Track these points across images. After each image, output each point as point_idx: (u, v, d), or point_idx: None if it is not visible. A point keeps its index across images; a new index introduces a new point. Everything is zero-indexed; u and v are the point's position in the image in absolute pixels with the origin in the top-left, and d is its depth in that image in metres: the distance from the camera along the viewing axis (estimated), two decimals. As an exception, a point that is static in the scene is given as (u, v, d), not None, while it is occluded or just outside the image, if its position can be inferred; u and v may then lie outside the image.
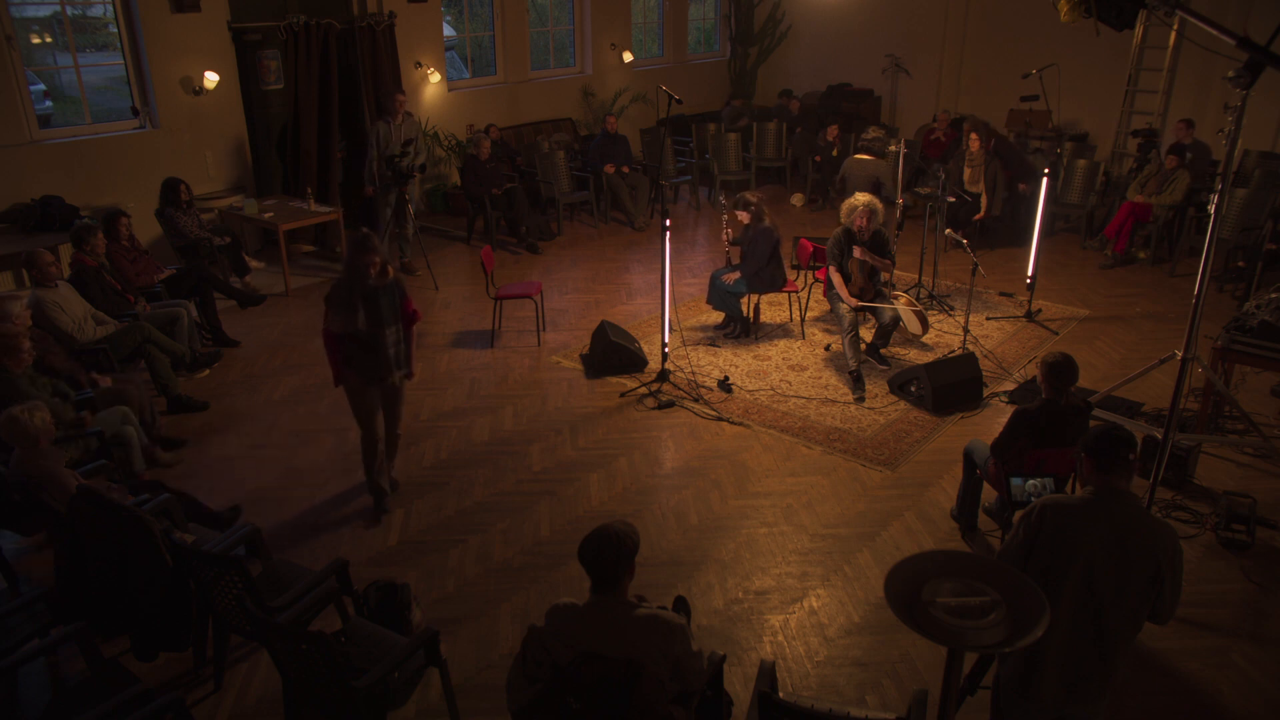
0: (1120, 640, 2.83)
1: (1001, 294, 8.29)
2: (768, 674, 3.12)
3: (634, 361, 6.79)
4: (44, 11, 9.21)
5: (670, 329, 6.53)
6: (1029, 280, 7.73)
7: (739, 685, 3.78)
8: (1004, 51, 11.75)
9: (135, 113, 8.56)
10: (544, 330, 7.60)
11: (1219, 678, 3.86)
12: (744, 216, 7.07)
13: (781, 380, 6.66)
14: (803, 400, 6.35)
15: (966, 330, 7.02)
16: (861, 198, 6.60)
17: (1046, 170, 7.63)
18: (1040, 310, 7.78)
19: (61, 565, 3.92)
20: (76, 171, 8.07)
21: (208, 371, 6.86)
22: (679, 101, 6.46)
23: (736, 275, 7.20)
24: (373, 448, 5.01)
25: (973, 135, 9.31)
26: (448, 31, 11.45)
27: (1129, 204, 8.97)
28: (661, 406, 6.27)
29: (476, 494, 5.27)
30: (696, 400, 6.34)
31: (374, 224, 8.82)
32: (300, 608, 3.70)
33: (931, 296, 7.98)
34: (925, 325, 7.03)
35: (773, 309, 7.98)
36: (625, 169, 10.64)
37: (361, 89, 9.58)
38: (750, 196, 7.10)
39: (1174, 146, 8.96)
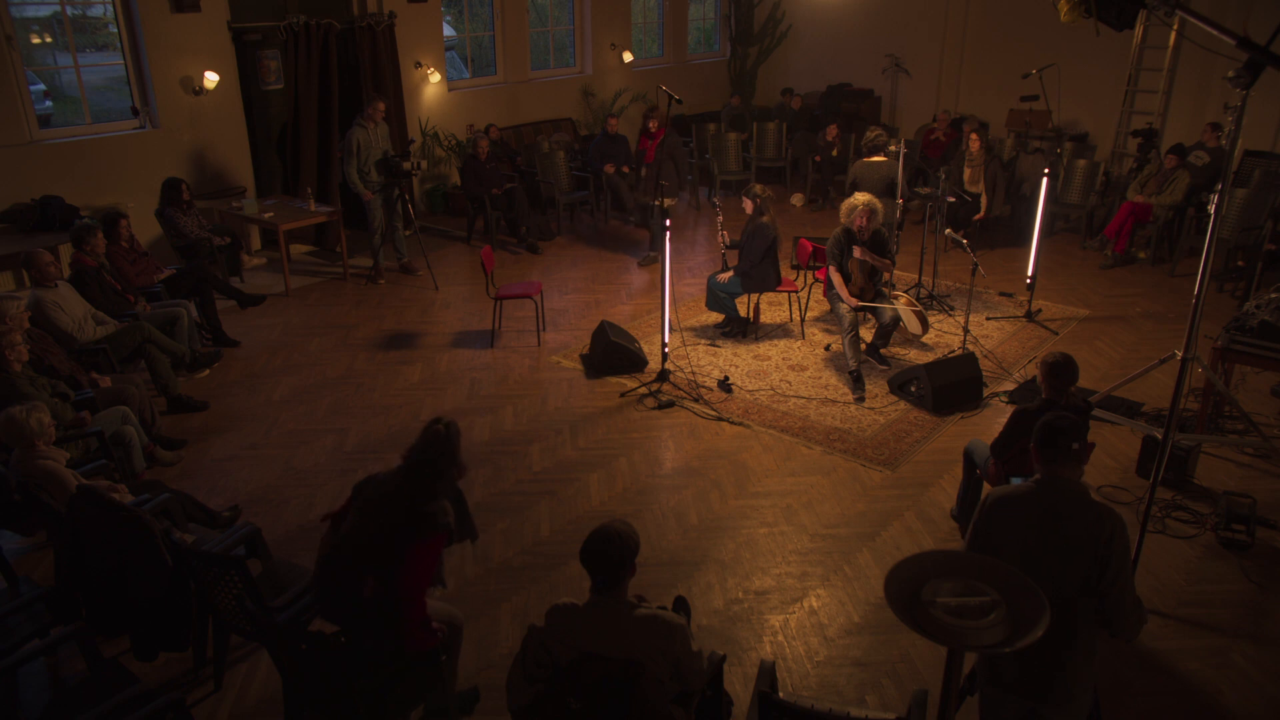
0: (1072, 631, 2.84)
1: (1001, 294, 8.29)
2: (768, 674, 3.12)
3: (634, 361, 6.79)
4: (44, 11, 9.21)
5: (670, 329, 6.53)
6: (1029, 280, 7.73)
7: (739, 685, 3.78)
8: (1004, 51, 11.75)
9: (135, 113, 8.56)
10: (544, 330, 7.60)
11: (1219, 678, 3.86)
12: (747, 205, 7.07)
13: (781, 380, 6.66)
14: (803, 400, 6.35)
15: (966, 330, 7.02)
16: (861, 197, 6.59)
17: (1046, 170, 7.63)
18: (1040, 310, 7.77)
19: (61, 565, 3.92)
20: (76, 171, 8.06)
21: (208, 371, 6.86)
22: (679, 101, 6.46)
23: (730, 274, 7.21)
24: None
25: (973, 135, 9.31)
26: (448, 31, 11.45)
27: (1129, 204, 8.97)
28: (661, 406, 6.27)
29: (476, 494, 5.25)
30: (696, 400, 6.34)
31: (369, 225, 8.78)
32: (300, 608, 3.70)
33: (931, 296, 7.97)
34: (925, 325, 7.02)
35: (773, 309, 7.98)
36: (625, 169, 10.65)
37: (361, 89, 9.57)
38: (758, 189, 7.10)
39: (1175, 147, 8.95)
